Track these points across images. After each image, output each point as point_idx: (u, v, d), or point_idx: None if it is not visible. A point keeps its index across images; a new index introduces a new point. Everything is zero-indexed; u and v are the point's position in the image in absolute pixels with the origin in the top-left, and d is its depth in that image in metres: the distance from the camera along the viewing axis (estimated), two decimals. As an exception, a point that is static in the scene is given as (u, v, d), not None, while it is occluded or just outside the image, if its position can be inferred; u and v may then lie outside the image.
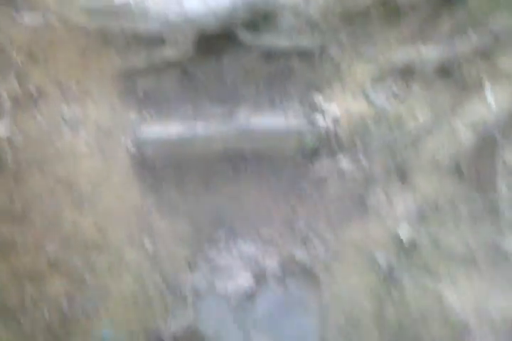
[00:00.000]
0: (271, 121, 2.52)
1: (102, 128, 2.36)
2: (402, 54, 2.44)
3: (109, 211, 2.15)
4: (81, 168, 2.21)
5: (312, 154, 2.45)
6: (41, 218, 2.01)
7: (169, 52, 2.70)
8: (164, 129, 2.44)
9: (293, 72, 2.81)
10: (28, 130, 2.20)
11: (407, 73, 2.41)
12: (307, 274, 2.18)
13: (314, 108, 2.62)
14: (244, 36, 2.78)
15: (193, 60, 2.80)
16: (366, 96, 2.49)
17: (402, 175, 2.23)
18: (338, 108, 2.54)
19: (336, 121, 2.50)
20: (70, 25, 2.60)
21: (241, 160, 2.48)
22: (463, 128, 2.04)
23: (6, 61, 2.26)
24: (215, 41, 2.80)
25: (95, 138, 2.31)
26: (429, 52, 2.30)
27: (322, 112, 2.57)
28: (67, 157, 2.22)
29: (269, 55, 2.82)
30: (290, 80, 2.80)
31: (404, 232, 2.11)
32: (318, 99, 2.67)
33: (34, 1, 2.54)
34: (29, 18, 2.48)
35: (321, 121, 2.52)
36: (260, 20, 2.84)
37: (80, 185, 2.16)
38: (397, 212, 2.14)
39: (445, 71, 2.23)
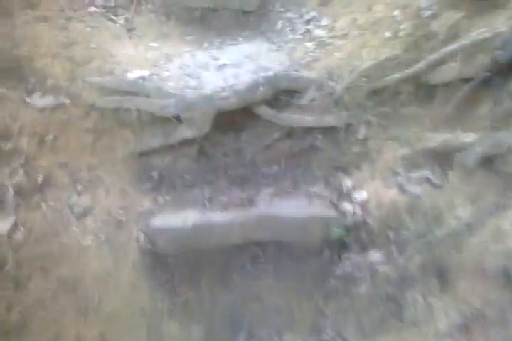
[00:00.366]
0: (294, 207, 2.35)
1: (112, 218, 2.21)
2: (437, 138, 2.27)
3: (116, 316, 1.96)
4: (87, 266, 2.04)
5: (340, 246, 2.26)
6: (41, 328, 1.83)
7: (186, 131, 2.58)
8: (179, 218, 2.27)
9: (317, 150, 2.65)
10: (31, 223, 2.05)
11: (443, 160, 2.24)
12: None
13: (341, 192, 2.45)
14: (265, 113, 2.66)
15: (210, 138, 2.67)
16: (398, 183, 2.31)
17: (442, 276, 2.02)
18: (367, 194, 2.36)
19: (365, 209, 2.32)
20: (83, 105, 2.49)
21: (261, 252, 2.30)
22: (510, 230, 1.85)
23: (13, 149, 2.14)
24: (233, 117, 2.68)
25: (104, 230, 2.16)
26: (469, 140, 2.13)
27: (350, 198, 2.40)
28: (72, 253, 2.06)
29: (292, 132, 2.68)
30: (314, 159, 2.64)
31: (447, 345, 1.89)
32: (345, 182, 2.50)
33: (46, 81, 2.45)
34: (40, 100, 2.38)
35: (349, 209, 2.34)
36: (282, 97, 2.72)
37: (85, 287, 1.98)
38: (438, 322, 1.92)
39: (487, 162, 2.05)
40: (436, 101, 2.46)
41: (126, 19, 3.08)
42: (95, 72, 2.60)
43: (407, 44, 2.57)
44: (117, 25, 2.99)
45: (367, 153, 2.51)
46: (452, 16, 2.55)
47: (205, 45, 3.05)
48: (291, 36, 3.18)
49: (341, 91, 2.58)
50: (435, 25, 2.58)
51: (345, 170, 2.53)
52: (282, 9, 3.41)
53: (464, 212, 2.06)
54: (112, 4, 3.21)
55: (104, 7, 3.16)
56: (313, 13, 3.32)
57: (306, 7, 3.41)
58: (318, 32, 3.12)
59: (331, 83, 2.65)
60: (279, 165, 2.63)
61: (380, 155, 2.46)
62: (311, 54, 2.92)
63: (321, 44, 2.99)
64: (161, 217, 2.26)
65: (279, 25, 3.26)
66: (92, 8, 3.09)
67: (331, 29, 3.09)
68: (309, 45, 3.02)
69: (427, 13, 2.64)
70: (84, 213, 2.19)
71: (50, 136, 2.32)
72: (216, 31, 3.18)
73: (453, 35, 2.50)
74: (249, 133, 2.69)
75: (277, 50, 3.03)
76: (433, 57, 2.41)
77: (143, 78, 2.63)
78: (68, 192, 2.21)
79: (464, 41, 2.35)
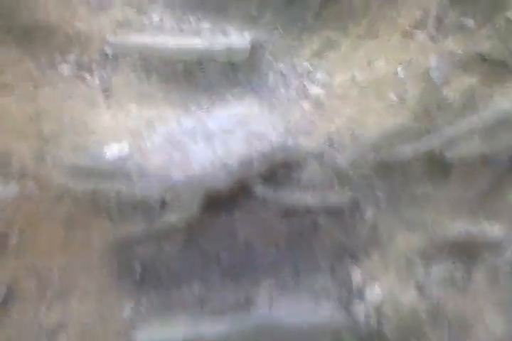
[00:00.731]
0: (298, 311, 2.05)
1: (87, 332, 1.88)
2: (457, 228, 2.00)
3: None
4: None
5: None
6: None
7: (171, 216, 2.27)
8: (166, 331, 1.96)
9: (320, 232, 2.36)
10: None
11: (466, 255, 1.96)
12: None
13: (350, 288, 2.16)
14: (261, 190, 2.36)
15: (199, 220, 2.37)
16: (416, 279, 2.02)
17: None
18: (381, 290, 2.07)
19: (379, 311, 2.02)
20: (53, 190, 2.17)
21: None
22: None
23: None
24: (225, 196, 2.38)
25: (79, 350, 1.83)
26: (496, 235, 1.85)
27: (361, 296, 2.10)
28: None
29: (291, 211, 2.39)
30: (317, 242, 2.35)
31: None
32: (355, 273, 2.21)
33: (10, 164, 2.13)
34: (2, 190, 2.06)
35: (361, 311, 2.05)
36: (280, 172, 2.44)
37: None
38: None
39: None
40: (454, 180, 2.19)
41: (102, 79, 2.75)
42: (67, 149, 2.28)
43: (416, 111, 2.30)
44: (92, 87, 2.66)
45: (377, 238, 2.23)
46: (466, 81, 2.29)
47: (192, 107, 2.73)
48: (284, 93, 2.89)
49: (345, 165, 2.29)
50: (447, 90, 2.31)
51: (354, 258, 2.25)
52: (272, 59, 3.11)
53: (495, 324, 1.78)
54: (86, 60, 2.88)
55: (77, 63, 2.83)
56: (306, 65, 3.04)
57: (298, 57, 3.12)
58: (314, 89, 2.84)
59: (332, 153, 2.36)
60: (277, 250, 2.33)
61: (393, 242, 2.18)
62: (308, 117, 2.64)
63: (319, 105, 2.70)
64: (146, 330, 1.93)
65: (271, 79, 2.97)
66: (64, 66, 2.76)
67: (328, 86, 2.81)
68: (305, 105, 2.73)
69: (436, 74, 2.37)
70: (55, 330, 1.86)
71: (14, 234, 1.98)
72: (203, 88, 2.87)
73: (469, 103, 2.24)
74: (243, 212, 2.39)
75: (270, 112, 2.74)
76: (448, 131, 2.14)
77: (122, 154, 2.31)
78: (36, 304, 1.87)
79: (482, 114, 2.07)
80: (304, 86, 2.93)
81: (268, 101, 2.86)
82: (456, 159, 2.13)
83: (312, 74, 2.99)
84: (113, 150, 2.33)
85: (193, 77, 2.99)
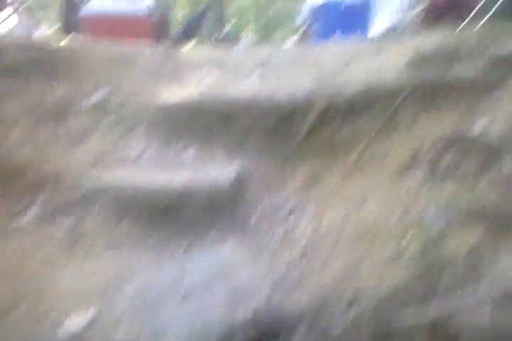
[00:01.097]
0: None
1: None
2: None
3: None
4: None
5: None
6: None
7: None
8: None
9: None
10: None
11: None
12: None
13: None
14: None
15: None
16: None
17: None
18: None
19: None
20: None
21: None
22: None
23: None
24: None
25: None
26: None
27: None
28: None
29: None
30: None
31: None
32: None
33: None
34: None
35: None
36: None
37: None
38: None
39: None
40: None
41: (70, 225, 2.51)
42: (22, 324, 1.96)
43: (417, 269, 2.04)
44: (57, 237, 2.40)
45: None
46: (468, 236, 2.05)
47: (167, 254, 2.47)
48: (269, 235, 2.64)
49: (339, 332, 2.00)
50: (448, 247, 2.06)
51: None
52: (256, 194, 2.91)
53: None
54: (55, 203, 2.65)
55: (44, 208, 2.61)
56: (292, 202, 2.83)
57: (284, 192, 2.93)
58: (302, 232, 2.60)
59: (324, 316, 2.07)
60: None
61: None
62: (295, 268, 2.37)
63: (307, 253, 2.45)
64: None
65: (255, 219, 2.74)
66: (29, 213, 2.52)
67: (316, 230, 2.57)
68: (292, 253, 2.48)
69: (434, 227, 2.14)
70: None
71: None
72: (181, 230, 2.63)
73: (473, 263, 1.99)
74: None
75: (254, 259, 2.47)
76: (452, 299, 1.86)
77: (82, 329, 2.00)
78: None
79: (491, 284, 1.82)
80: (291, 225, 2.71)
81: (251, 244, 2.61)
82: (465, 330, 1.84)
83: (298, 213, 2.78)
84: (73, 323, 2.01)
85: (171, 219, 2.76)
